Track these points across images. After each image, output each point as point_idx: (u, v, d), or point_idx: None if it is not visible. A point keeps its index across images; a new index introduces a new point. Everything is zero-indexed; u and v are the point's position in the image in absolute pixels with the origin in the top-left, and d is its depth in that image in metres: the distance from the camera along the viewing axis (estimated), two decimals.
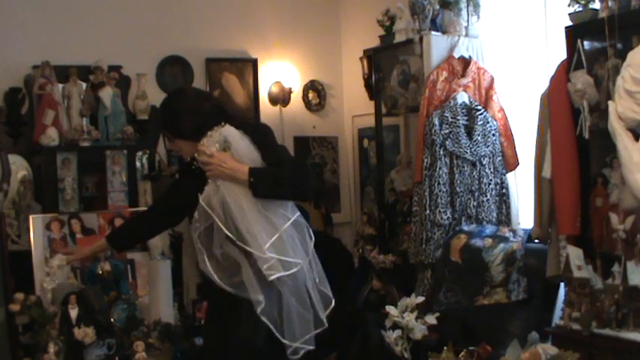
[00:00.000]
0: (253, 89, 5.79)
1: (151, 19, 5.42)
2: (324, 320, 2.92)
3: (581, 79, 3.62)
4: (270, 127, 3.04)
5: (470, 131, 4.56)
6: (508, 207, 4.64)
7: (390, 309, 3.71)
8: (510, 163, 4.67)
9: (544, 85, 4.08)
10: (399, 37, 4.96)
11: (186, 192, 3.00)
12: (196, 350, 3.88)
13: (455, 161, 4.53)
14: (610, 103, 3.37)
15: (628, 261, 3.28)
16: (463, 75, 4.67)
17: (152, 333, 3.88)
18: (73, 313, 3.74)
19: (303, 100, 6.07)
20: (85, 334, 3.66)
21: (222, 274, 2.79)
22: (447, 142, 4.51)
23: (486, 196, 4.56)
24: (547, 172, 3.89)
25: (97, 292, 3.96)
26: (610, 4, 3.56)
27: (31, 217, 4.33)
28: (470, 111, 4.59)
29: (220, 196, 2.80)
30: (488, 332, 3.77)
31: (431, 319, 3.71)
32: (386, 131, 5.44)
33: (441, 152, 4.51)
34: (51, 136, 4.61)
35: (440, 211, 4.48)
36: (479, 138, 4.55)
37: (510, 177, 4.70)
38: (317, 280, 2.95)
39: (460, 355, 3.36)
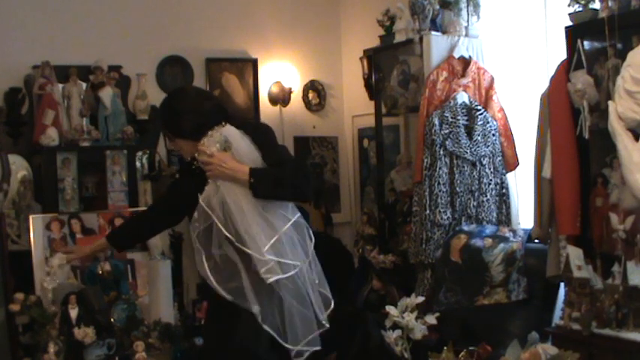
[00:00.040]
0: (253, 89, 5.79)
1: (151, 19, 5.42)
2: (325, 321, 2.92)
3: (581, 79, 3.62)
4: (270, 127, 3.04)
5: (470, 131, 4.56)
6: (508, 207, 4.64)
7: (390, 309, 3.71)
8: (510, 163, 4.67)
9: (544, 85, 4.08)
10: (399, 37, 4.96)
11: (186, 192, 3.00)
12: (196, 350, 3.87)
13: (455, 161, 4.53)
14: (610, 103, 3.37)
15: (628, 261, 3.28)
16: (463, 75, 4.67)
17: (152, 333, 3.87)
18: (73, 313, 3.73)
19: (303, 100, 6.07)
20: (85, 334, 3.66)
21: (219, 277, 2.78)
22: (447, 142, 4.51)
23: (486, 196, 4.56)
24: (547, 172, 3.89)
25: (97, 292, 3.96)
26: (610, 4, 3.56)
27: (31, 217, 4.32)
28: (470, 111, 4.59)
29: (220, 196, 2.79)
30: (488, 332, 3.77)
31: (431, 319, 3.71)
32: (386, 131, 5.44)
33: (441, 152, 4.51)
34: (51, 136, 4.61)
35: (440, 211, 4.48)
36: (479, 138, 4.55)
37: (510, 177, 4.70)
38: (316, 282, 2.94)
39: (460, 355, 3.36)
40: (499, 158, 4.63)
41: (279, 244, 2.80)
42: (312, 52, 6.08)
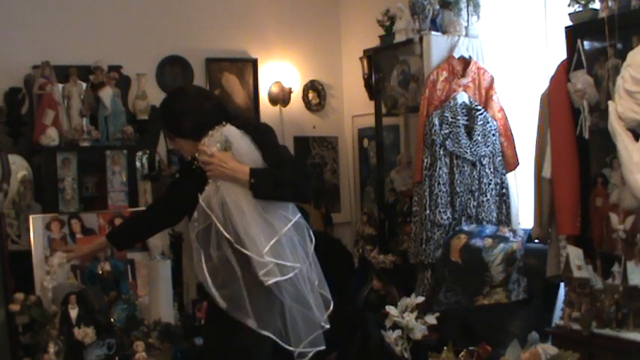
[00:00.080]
0: (253, 89, 5.79)
1: (151, 19, 5.43)
2: (325, 322, 2.91)
3: (581, 79, 3.62)
4: (271, 127, 3.01)
5: (470, 131, 4.56)
6: (508, 207, 4.64)
7: (390, 309, 3.70)
8: (510, 163, 4.67)
9: (544, 85, 4.08)
10: (399, 37, 4.96)
11: (186, 192, 2.99)
12: (196, 350, 3.88)
13: (455, 161, 4.53)
14: (610, 103, 3.37)
15: (628, 261, 3.28)
16: (463, 75, 4.67)
17: (152, 333, 3.88)
18: (73, 313, 3.74)
19: (303, 100, 6.07)
20: (85, 334, 3.66)
21: (216, 280, 2.76)
22: (447, 142, 4.51)
23: (486, 196, 4.56)
24: (547, 172, 3.89)
25: (97, 292, 3.96)
26: (610, 4, 3.56)
27: (31, 217, 4.33)
28: (470, 111, 4.59)
29: (220, 196, 2.78)
30: (488, 332, 3.77)
31: (431, 319, 3.71)
32: (386, 131, 5.44)
33: (441, 152, 4.51)
34: (51, 136, 4.61)
35: (440, 211, 4.48)
36: (479, 138, 4.55)
37: (510, 177, 4.70)
38: (316, 283, 2.93)
39: (460, 355, 3.36)
40: (499, 158, 4.63)
41: (278, 246, 2.78)
42: (312, 52, 6.08)
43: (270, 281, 2.74)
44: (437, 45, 4.70)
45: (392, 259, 4.89)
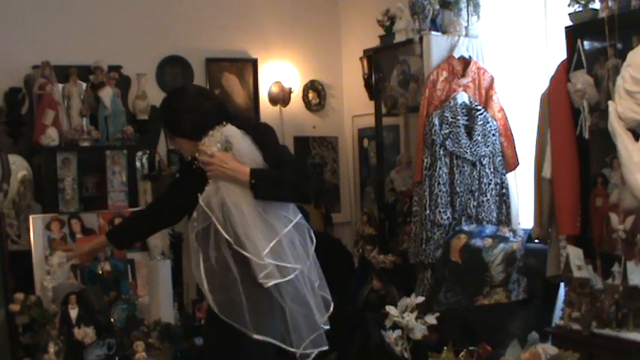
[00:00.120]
0: (253, 89, 5.79)
1: (151, 19, 5.43)
2: (325, 323, 2.90)
3: (581, 79, 3.62)
4: (271, 126, 3.00)
5: (470, 131, 4.56)
6: (508, 207, 4.64)
7: (390, 309, 3.70)
8: (510, 163, 4.67)
9: (544, 85, 4.08)
10: (399, 37, 4.96)
11: (186, 191, 2.99)
12: (196, 350, 3.88)
13: (455, 161, 4.53)
14: (610, 103, 3.37)
15: (628, 261, 3.28)
16: (463, 75, 4.67)
17: (152, 333, 3.88)
18: (73, 313, 3.74)
19: (303, 100, 6.07)
20: (85, 334, 3.66)
21: (213, 283, 2.75)
22: (447, 142, 4.51)
23: (486, 196, 4.56)
24: (547, 172, 3.89)
25: (97, 292, 3.96)
26: (610, 4, 3.56)
27: (31, 217, 4.33)
28: (470, 111, 4.59)
29: (220, 197, 2.77)
30: (488, 332, 3.77)
31: (431, 319, 3.71)
32: (386, 131, 5.44)
33: (441, 152, 4.51)
34: (51, 136, 4.61)
35: (440, 211, 4.48)
36: (479, 138, 4.55)
37: (510, 177, 4.70)
38: (317, 284, 2.92)
39: (460, 355, 3.36)
40: (499, 158, 4.63)
41: (279, 247, 2.77)
42: (312, 52, 6.08)
43: (270, 284, 2.72)
44: (437, 45, 4.70)
45: (392, 259, 4.89)
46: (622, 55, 3.44)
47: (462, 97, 4.60)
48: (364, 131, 5.93)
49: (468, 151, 4.52)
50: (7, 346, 3.80)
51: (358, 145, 6.04)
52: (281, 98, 5.87)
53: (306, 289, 2.85)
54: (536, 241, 4.16)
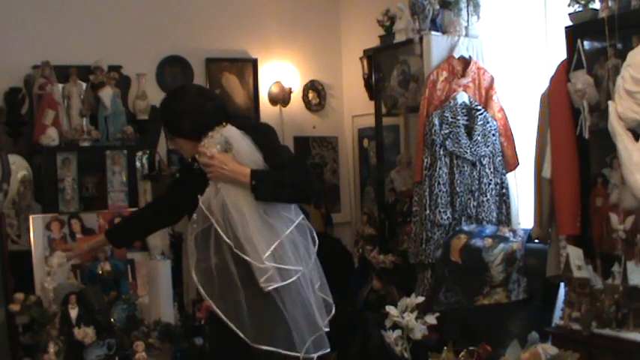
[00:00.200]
0: (253, 89, 5.79)
1: (151, 19, 5.42)
2: (325, 325, 2.89)
3: (581, 79, 3.62)
4: (272, 126, 2.99)
5: (470, 131, 4.56)
6: (508, 207, 4.64)
7: (390, 309, 3.70)
8: (510, 163, 4.67)
9: (544, 85, 4.08)
10: (399, 37, 4.96)
11: (186, 191, 2.98)
12: (196, 350, 3.88)
13: (455, 161, 4.53)
14: (610, 103, 3.37)
15: (628, 261, 3.28)
16: (463, 75, 4.67)
17: (152, 333, 3.88)
18: (73, 313, 3.74)
19: (303, 100, 6.07)
20: (85, 334, 3.67)
21: (212, 289, 2.73)
22: (447, 142, 4.51)
23: (486, 196, 4.56)
24: (547, 172, 3.89)
25: (97, 292, 3.96)
26: (610, 4, 3.56)
27: (31, 217, 4.33)
28: (470, 111, 4.59)
29: (220, 199, 2.75)
30: (488, 332, 3.77)
31: (431, 319, 3.71)
32: (386, 131, 5.44)
33: (441, 152, 4.51)
34: (51, 136, 4.61)
35: (440, 211, 4.48)
36: (479, 138, 4.55)
37: (510, 177, 4.70)
38: (317, 285, 2.90)
39: (460, 355, 3.36)
40: (499, 158, 4.63)
41: (280, 250, 2.75)
42: (312, 52, 6.08)
43: (270, 287, 2.71)
44: (437, 45, 4.70)
45: (392, 259, 4.89)
46: (622, 55, 3.44)
47: (462, 97, 4.60)
48: (364, 131, 5.92)
49: (468, 151, 4.52)
50: (7, 346, 3.80)
51: (358, 145, 6.04)
52: (281, 98, 5.87)
53: (307, 290, 2.83)
54: (536, 241, 4.16)
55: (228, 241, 2.71)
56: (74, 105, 4.82)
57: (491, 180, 4.58)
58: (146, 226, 3.38)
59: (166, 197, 3.29)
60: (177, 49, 5.51)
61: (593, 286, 3.39)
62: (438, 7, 4.78)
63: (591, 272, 3.44)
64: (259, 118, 5.65)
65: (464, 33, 4.77)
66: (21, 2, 5.00)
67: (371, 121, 5.45)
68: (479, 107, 4.61)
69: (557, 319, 3.69)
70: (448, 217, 4.50)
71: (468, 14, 4.81)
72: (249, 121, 3.95)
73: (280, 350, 2.70)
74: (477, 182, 4.56)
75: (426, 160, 4.54)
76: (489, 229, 4.36)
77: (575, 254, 3.45)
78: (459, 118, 4.54)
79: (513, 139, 4.68)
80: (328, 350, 2.86)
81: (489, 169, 4.58)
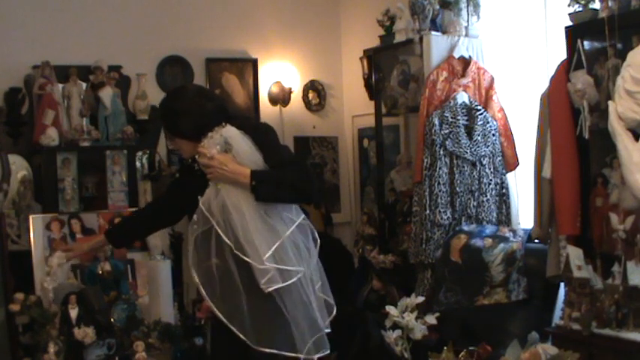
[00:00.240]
0: (253, 89, 5.79)
1: (151, 19, 5.42)
2: (326, 326, 2.88)
3: (581, 79, 3.62)
4: (271, 126, 2.98)
5: (470, 131, 4.56)
6: (508, 207, 4.64)
7: (390, 309, 3.70)
8: (510, 163, 4.67)
9: (544, 85, 4.08)
10: (399, 37, 4.96)
11: (186, 191, 2.98)
12: (196, 350, 3.88)
13: (455, 161, 4.53)
14: (610, 103, 3.37)
15: (628, 261, 3.28)
16: (463, 75, 4.67)
17: (152, 333, 3.88)
18: (73, 313, 3.74)
19: (303, 100, 6.07)
20: (85, 334, 3.66)
21: (213, 290, 2.72)
22: (447, 142, 4.51)
23: (486, 196, 4.56)
24: (547, 172, 3.89)
25: (97, 292, 3.96)
26: (610, 4, 3.56)
27: (31, 217, 4.33)
28: (470, 111, 4.59)
29: (220, 199, 2.75)
30: (488, 332, 3.77)
31: (431, 319, 3.71)
32: (386, 131, 5.44)
33: (441, 152, 4.51)
34: (51, 136, 4.61)
35: (440, 211, 4.48)
36: (479, 138, 4.55)
37: (510, 177, 4.70)
38: (318, 285, 2.89)
39: (460, 355, 3.36)
40: (499, 158, 4.63)
41: (281, 251, 2.74)
42: (312, 52, 6.08)
43: (271, 288, 2.70)
44: (437, 45, 4.70)
45: (392, 259, 4.89)
46: (622, 55, 3.44)
47: (462, 97, 4.60)
48: (364, 131, 5.92)
49: (468, 151, 4.52)
50: (7, 346, 3.80)
51: (358, 145, 6.04)
52: (281, 98, 5.87)
53: (308, 290, 2.83)
54: (536, 241, 4.16)
55: (228, 242, 2.70)
56: (74, 105, 4.82)
57: (491, 180, 4.58)
58: (146, 226, 3.38)
59: (166, 197, 3.28)
60: (177, 49, 5.51)
61: (593, 286, 3.39)
62: (438, 7, 4.78)
63: (591, 272, 3.44)
64: (259, 118, 5.65)
65: (464, 33, 4.77)
66: (21, 2, 5.00)
67: (371, 121, 5.45)
68: (479, 107, 4.61)
69: (557, 319, 3.69)
70: (448, 217, 4.50)
71: (468, 14, 4.81)
72: (249, 121, 3.95)
73: (282, 352, 2.70)
74: (477, 182, 4.56)
75: (426, 160, 4.54)
76: (489, 229, 4.36)
77: (575, 254, 3.45)
78: (459, 118, 4.54)
79: (513, 139, 4.68)
80: (328, 351, 2.85)
81: (489, 169, 4.58)
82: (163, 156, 5.19)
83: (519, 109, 4.73)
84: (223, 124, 2.83)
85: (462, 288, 4.18)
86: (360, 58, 5.44)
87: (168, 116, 2.95)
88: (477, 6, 4.78)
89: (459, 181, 4.51)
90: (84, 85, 4.89)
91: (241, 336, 2.68)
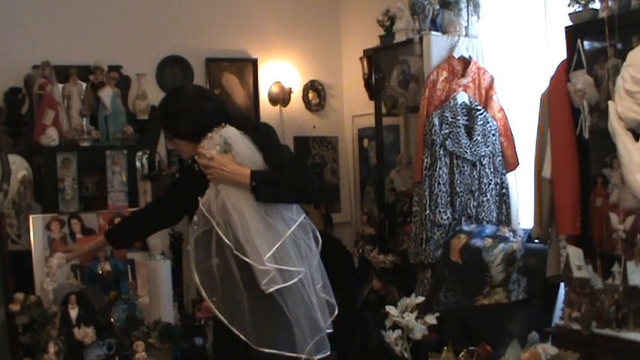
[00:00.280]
0: (253, 89, 5.79)
1: (151, 19, 5.42)
2: (328, 326, 2.88)
3: (581, 79, 3.62)
4: (271, 126, 2.97)
5: (470, 131, 4.56)
6: (508, 207, 4.64)
7: (390, 309, 3.71)
8: (510, 163, 4.67)
9: (544, 85, 4.08)
10: (399, 37, 4.96)
11: (186, 192, 2.97)
12: (196, 350, 3.87)
13: (455, 161, 4.53)
14: (610, 103, 3.37)
15: (628, 261, 3.28)
16: (463, 75, 4.67)
17: (152, 333, 3.87)
18: (73, 313, 3.74)
19: (303, 100, 6.07)
20: (85, 334, 3.66)
21: (213, 290, 2.71)
22: (447, 142, 4.51)
23: (486, 196, 4.56)
24: (547, 172, 3.89)
25: (97, 292, 3.96)
26: (610, 4, 3.56)
27: (31, 217, 4.33)
28: (470, 111, 4.59)
29: (220, 200, 2.74)
30: (488, 332, 3.77)
31: (431, 319, 3.71)
32: (386, 131, 5.44)
33: (441, 152, 4.51)
34: (51, 136, 4.61)
35: (440, 211, 4.48)
36: (479, 138, 4.55)
37: (510, 177, 4.70)
38: (320, 285, 2.89)
39: (460, 355, 3.36)
40: (499, 158, 4.63)
41: (282, 251, 2.73)
42: (312, 52, 6.08)
43: (272, 289, 2.70)
44: (437, 45, 4.70)
45: (392, 259, 4.89)
46: (622, 55, 3.44)
47: (462, 97, 4.60)
48: (364, 131, 5.92)
49: (468, 151, 4.52)
50: (7, 346, 3.80)
51: (358, 145, 6.04)
52: (281, 98, 5.87)
53: (310, 290, 2.82)
54: (536, 241, 4.16)
55: (228, 243, 2.70)
56: (74, 105, 4.82)
57: (491, 180, 4.58)
58: (146, 226, 3.37)
59: (166, 198, 3.27)
60: (177, 49, 5.51)
61: (593, 286, 3.39)
62: (438, 7, 4.78)
63: (591, 272, 3.44)
64: (259, 118, 5.65)
65: (464, 33, 4.77)
66: (21, 2, 5.00)
67: (371, 121, 5.45)
68: (479, 107, 4.61)
69: (557, 319, 3.69)
70: (448, 217, 4.50)
71: (468, 14, 4.81)
72: (249, 121, 3.95)
73: (283, 352, 2.70)
74: (477, 182, 4.56)
75: (426, 160, 4.54)
76: (489, 229, 4.36)
77: (575, 254, 3.45)
78: (459, 118, 4.54)
79: (513, 139, 4.68)
80: (329, 353, 2.85)
81: (489, 169, 4.58)
82: (163, 156, 5.19)
83: (519, 109, 4.74)
84: (223, 124, 2.82)
85: (462, 288, 4.18)
86: (360, 58, 5.44)
87: (167, 117, 2.93)
88: (477, 6, 4.78)
89: (459, 181, 4.51)
90: (84, 85, 4.89)
91: (242, 336, 2.67)
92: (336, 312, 2.94)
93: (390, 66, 5.24)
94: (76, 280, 4.16)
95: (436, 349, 3.46)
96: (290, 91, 5.87)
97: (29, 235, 4.28)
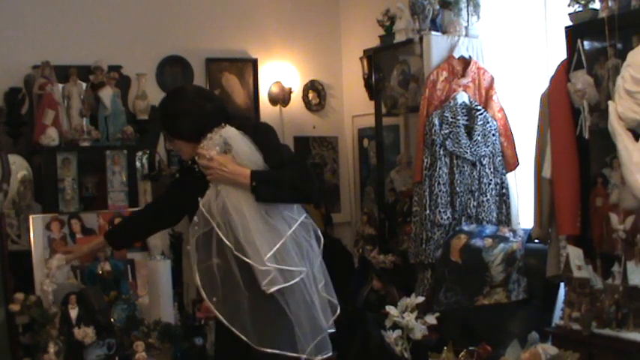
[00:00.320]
0: (253, 89, 5.79)
1: (151, 19, 5.43)
2: (330, 326, 2.88)
3: (581, 79, 3.62)
4: (271, 126, 2.96)
5: (470, 131, 4.56)
6: (508, 207, 4.64)
7: (390, 309, 3.71)
8: (510, 163, 4.67)
9: (544, 85, 4.08)
10: (399, 37, 4.96)
11: (186, 192, 2.97)
12: (196, 350, 3.88)
13: (455, 161, 4.53)
14: (610, 103, 3.37)
15: (628, 261, 3.28)
16: (463, 75, 4.67)
17: (152, 333, 3.88)
18: (73, 313, 3.74)
19: (303, 100, 6.07)
20: (85, 334, 3.67)
21: (214, 291, 2.70)
22: (447, 142, 4.51)
23: (486, 196, 4.56)
24: (547, 172, 3.89)
25: (97, 292, 3.96)
26: (610, 4, 3.56)
27: (31, 217, 4.33)
28: (470, 111, 4.59)
29: (220, 201, 2.73)
30: (488, 332, 3.77)
31: (431, 319, 3.71)
32: (386, 131, 5.44)
33: (441, 152, 4.51)
34: (51, 136, 4.61)
35: (440, 211, 4.48)
36: (479, 138, 4.55)
37: (510, 177, 4.70)
38: (322, 284, 2.88)
39: (460, 355, 3.36)
40: (499, 158, 4.63)
41: (283, 251, 2.73)
42: (312, 52, 6.08)
43: (273, 289, 2.69)
44: (437, 45, 4.70)
45: (392, 259, 4.89)
46: (622, 55, 3.44)
47: (462, 97, 4.60)
48: (364, 131, 5.92)
49: (468, 151, 4.52)
50: (7, 346, 3.80)
51: (358, 145, 6.04)
52: (281, 98, 5.87)
53: (311, 290, 2.81)
54: (536, 241, 4.16)
55: (228, 243, 2.69)
56: (74, 105, 4.82)
57: (491, 180, 4.58)
58: (146, 226, 3.37)
59: (166, 198, 3.26)
60: (177, 49, 5.51)
61: (593, 286, 3.39)
62: (438, 7, 4.78)
63: (591, 272, 3.44)
64: (259, 118, 5.65)
65: (464, 33, 4.77)
66: (21, 2, 5.00)
67: (371, 121, 5.45)
68: (479, 107, 4.61)
69: (557, 319, 3.69)
70: (448, 217, 4.50)
71: (468, 14, 4.81)
72: (249, 121, 3.95)
73: (284, 352, 2.70)
74: (477, 182, 4.56)
75: (426, 160, 4.54)
76: (489, 229, 4.36)
77: (575, 254, 3.45)
78: (459, 118, 4.54)
79: (513, 139, 4.68)
80: (330, 354, 2.84)
81: (489, 169, 4.58)
82: (163, 156, 5.19)
83: (519, 109, 4.74)
84: (223, 124, 2.82)
85: (462, 288, 4.18)
86: (360, 58, 5.44)
87: (167, 117, 2.93)
88: (477, 6, 4.78)
89: (459, 181, 4.51)
90: (84, 85, 4.89)
91: (242, 337, 2.67)
92: (339, 311, 2.93)
93: (390, 66, 5.24)
94: (76, 280, 4.16)
95: (436, 349, 3.46)
96: (290, 91, 5.87)
97: (29, 235, 4.28)
